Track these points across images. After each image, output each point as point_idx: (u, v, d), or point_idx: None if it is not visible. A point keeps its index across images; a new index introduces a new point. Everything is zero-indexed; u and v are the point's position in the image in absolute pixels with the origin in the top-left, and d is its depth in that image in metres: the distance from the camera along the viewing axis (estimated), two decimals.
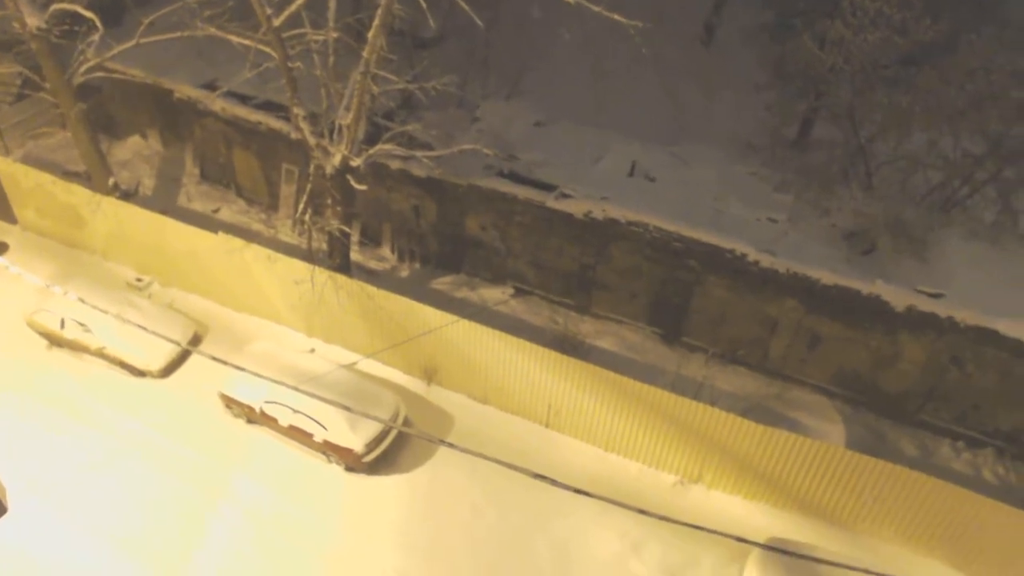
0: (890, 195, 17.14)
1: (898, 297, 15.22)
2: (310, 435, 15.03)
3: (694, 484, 15.23)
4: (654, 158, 18.86)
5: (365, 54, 14.23)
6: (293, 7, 14.23)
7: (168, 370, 17.03)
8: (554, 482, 8.95)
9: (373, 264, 20.16)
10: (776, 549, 12.79)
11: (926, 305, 15.08)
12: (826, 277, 15.65)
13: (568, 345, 17.39)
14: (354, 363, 16.31)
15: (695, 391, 16.54)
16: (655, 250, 17.17)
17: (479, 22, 13.66)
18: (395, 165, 18.52)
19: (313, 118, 16.06)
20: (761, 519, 14.52)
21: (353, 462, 14.94)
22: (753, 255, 16.12)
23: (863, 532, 14.34)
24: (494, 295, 19.47)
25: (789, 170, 18.03)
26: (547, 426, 16.17)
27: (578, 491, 8.96)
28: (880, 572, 11.31)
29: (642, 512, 9.29)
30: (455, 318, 15.63)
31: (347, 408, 10.41)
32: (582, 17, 14.82)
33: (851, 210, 16.96)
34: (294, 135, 16.57)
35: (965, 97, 16.49)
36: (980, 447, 16.25)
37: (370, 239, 20.66)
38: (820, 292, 15.82)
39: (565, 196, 17.59)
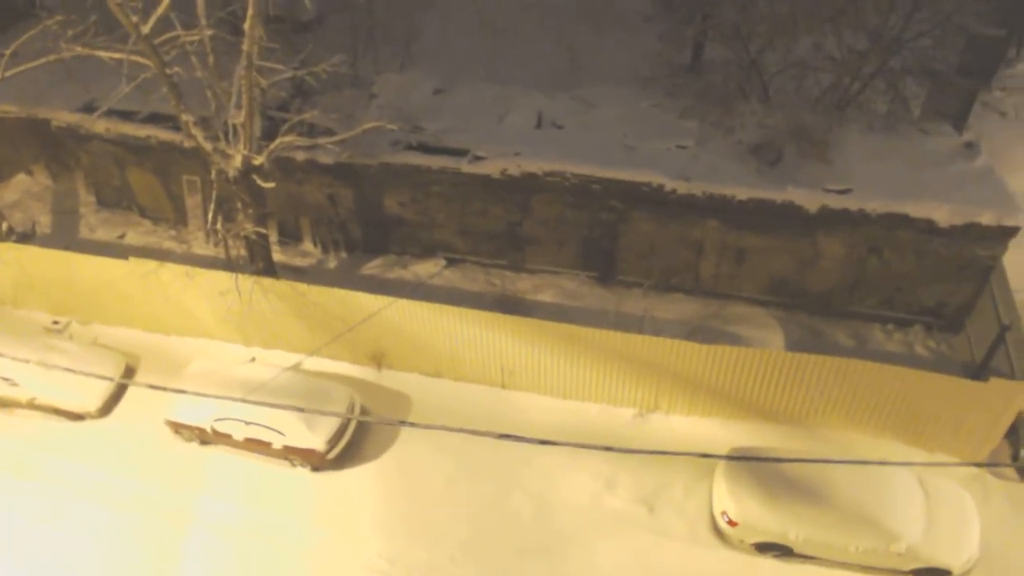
0: (787, 103, 17.66)
1: (810, 199, 15.82)
2: (268, 444, 14.76)
3: (652, 413, 15.69)
4: (558, 106, 18.90)
5: (245, 47, 13.69)
6: (159, 10, 13.53)
7: (106, 408, 16.37)
8: (519, 438, 9.09)
9: (298, 261, 19.71)
10: (739, 458, 13.47)
11: (837, 202, 15.73)
12: (741, 193, 16.12)
13: (509, 304, 17.50)
14: (298, 364, 16.04)
15: (638, 325, 16.97)
16: (576, 196, 17.32)
17: None
18: (300, 156, 18.03)
19: (204, 122, 15.41)
20: (721, 433, 15.09)
21: (318, 461, 14.79)
22: (669, 184, 16.45)
23: (816, 425, 15.09)
24: (427, 269, 19.36)
25: (690, 96, 18.34)
26: (504, 387, 16.32)
27: (544, 442, 9.11)
28: (836, 459, 12.01)
29: (608, 449, 9.56)
30: (392, 299, 15.51)
31: (300, 410, 10.29)
32: None
33: (754, 124, 17.43)
34: (188, 143, 15.91)
35: None
36: (909, 326, 17.24)
37: (290, 236, 20.16)
38: (738, 208, 16.30)
39: (478, 159, 17.50)
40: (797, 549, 13.21)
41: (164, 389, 10.75)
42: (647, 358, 14.80)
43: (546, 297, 18.45)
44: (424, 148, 17.97)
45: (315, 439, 14.50)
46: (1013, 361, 14.41)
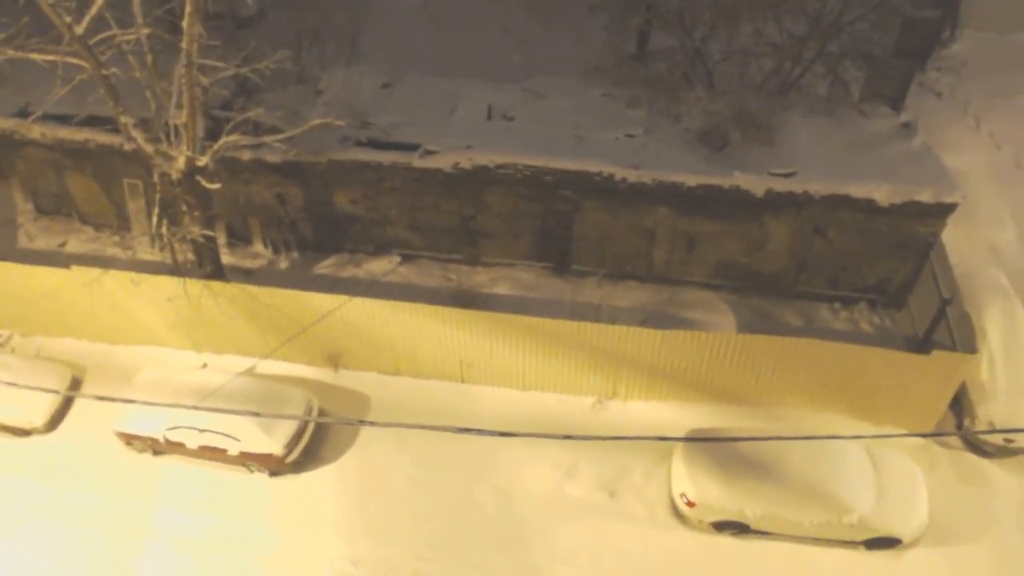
0: (731, 90, 17.93)
1: (756, 184, 16.12)
2: (224, 451, 14.52)
3: (611, 400, 15.87)
4: (508, 97, 18.87)
5: (184, 45, 13.34)
6: (93, 10, 13.10)
7: (54, 422, 15.89)
8: (480, 431, 9.13)
9: (248, 263, 19.36)
10: (696, 439, 13.72)
11: (782, 185, 16.06)
12: (689, 179, 16.34)
13: (466, 299, 17.48)
14: (252, 368, 15.79)
15: (594, 314, 17.12)
16: (529, 188, 17.35)
17: None
18: (246, 156, 17.67)
19: (145, 124, 15.01)
20: (678, 416, 15.32)
21: (276, 466, 14.60)
22: (620, 173, 16.59)
23: (769, 404, 15.44)
24: (381, 267, 19.20)
25: (637, 85, 18.48)
26: (463, 381, 16.32)
27: (504, 434, 9.17)
28: (789, 436, 12.33)
29: (568, 437, 9.71)
30: (346, 298, 15.36)
31: (256, 414, 10.14)
32: None
33: (699, 111, 17.66)
34: (128, 146, 15.49)
35: None
36: (854, 304, 17.72)
37: (239, 238, 19.78)
38: (687, 195, 16.53)
39: (429, 153, 17.39)
40: (754, 526, 13.54)
41: (113, 400, 10.51)
42: (604, 346, 14.95)
43: (502, 290, 18.48)
44: (374, 144, 17.78)
45: (272, 443, 14.30)
46: (954, 334, 14.92)
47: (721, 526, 13.70)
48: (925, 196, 15.68)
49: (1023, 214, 19.97)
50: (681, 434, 14.29)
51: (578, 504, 14.35)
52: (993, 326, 15.60)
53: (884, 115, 17.87)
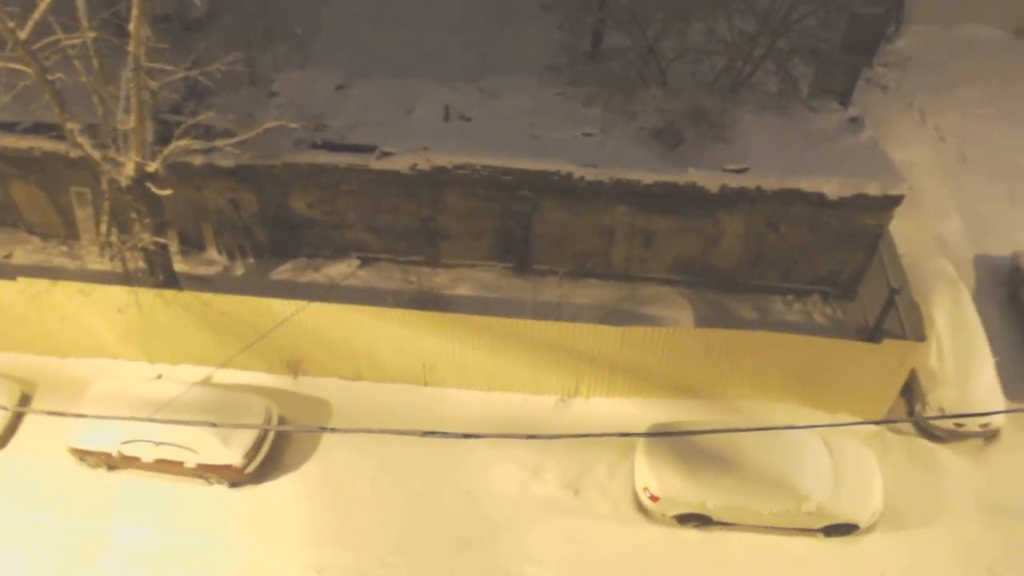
0: (685, 88, 18.16)
1: (711, 180, 16.36)
2: (181, 463, 14.23)
3: (574, 398, 15.97)
4: (465, 98, 18.82)
5: (131, 49, 13.03)
6: (37, 14, 12.71)
7: (3, 440, 15.40)
8: (444, 434, 9.08)
9: (202, 270, 18.98)
10: (657, 434, 13.88)
11: (735, 181, 16.33)
12: (646, 177, 16.51)
13: (427, 301, 17.40)
14: (208, 377, 15.51)
15: (555, 312, 17.20)
16: (487, 188, 17.34)
17: None
18: (198, 160, 17.33)
19: (91, 130, 14.61)
20: (640, 412, 15.48)
21: (236, 477, 14.36)
22: (578, 172, 16.68)
23: (728, 397, 15.69)
24: (340, 270, 19.00)
25: (592, 83, 18.59)
26: (426, 384, 16.25)
27: (468, 435, 9.16)
28: (747, 427, 12.53)
29: (532, 437, 9.73)
30: (305, 303, 15.17)
31: (213, 425, 9.95)
32: None
33: (654, 109, 17.84)
34: (74, 153, 15.06)
35: None
36: (807, 296, 18.11)
37: (192, 245, 19.38)
38: (644, 192, 16.70)
39: (386, 154, 17.25)
40: (716, 517, 13.76)
41: (64, 415, 10.21)
42: (565, 344, 15.03)
43: (464, 291, 18.44)
44: (330, 146, 17.57)
45: (231, 454, 14.06)
46: (904, 322, 15.34)
47: (684, 519, 13.90)
48: (873, 189, 16.09)
49: (967, 205, 20.63)
50: (643, 429, 14.46)
51: (544, 503, 14.41)
52: (941, 314, 16.10)
53: (833, 110, 18.27)
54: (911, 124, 23.20)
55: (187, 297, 15.41)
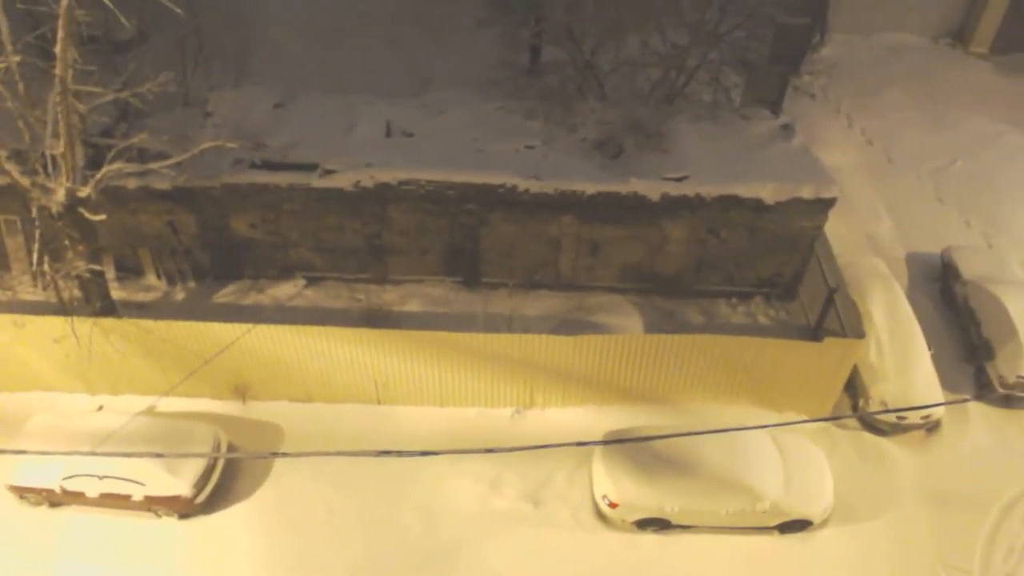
0: (622, 100, 18.53)
1: (652, 189, 16.69)
2: (128, 497, 13.71)
3: (529, 410, 16.00)
4: (406, 114, 18.79)
5: (58, 72, 12.66)
6: None
7: None
8: (400, 453, 9.01)
9: (141, 296, 18.40)
10: (612, 441, 13.98)
11: (676, 189, 16.70)
12: (589, 187, 16.74)
13: (377, 318, 17.24)
14: (152, 407, 15.02)
15: (506, 325, 17.25)
16: (433, 203, 17.31)
17: (178, 11, 12.64)
18: (132, 184, 16.84)
19: (19, 156, 14.07)
20: (595, 420, 15.57)
21: (185, 508, 13.91)
22: (522, 184, 16.81)
23: (679, 400, 15.96)
24: (286, 291, 18.68)
25: (532, 97, 18.82)
26: (379, 403, 16.06)
27: (424, 453, 9.10)
28: (699, 430, 12.77)
29: (489, 451, 9.69)
30: (250, 326, 14.84)
31: (159, 455, 9.63)
32: None
33: (594, 121, 18.14)
34: (1, 180, 14.47)
35: None
36: (750, 298, 18.59)
37: (129, 270, 18.78)
38: (588, 202, 16.93)
39: (328, 172, 17.08)
40: (674, 520, 13.94)
41: (2, 452, 9.74)
42: (518, 356, 15.06)
43: (413, 306, 18.34)
44: (270, 165, 17.31)
45: (179, 484, 13.62)
46: (843, 320, 15.86)
47: (643, 524, 14.03)
48: (806, 192, 16.66)
49: (896, 205, 21.55)
50: (599, 437, 14.56)
51: (504, 516, 14.37)
52: (878, 310, 16.71)
53: (764, 118, 18.88)
54: (839, 129, 24.15)
55: (126, 325, 14.92)
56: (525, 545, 13.97)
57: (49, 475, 13.70)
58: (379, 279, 18.81)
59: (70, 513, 14.22)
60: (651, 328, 17.62)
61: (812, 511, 13.94)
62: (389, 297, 18.47)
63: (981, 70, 26.49)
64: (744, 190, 16.67)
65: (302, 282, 18.80)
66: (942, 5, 27.13)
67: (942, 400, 15.52)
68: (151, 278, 18.87)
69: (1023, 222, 20.90)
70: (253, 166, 17.21)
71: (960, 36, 27.54)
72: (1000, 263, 18.81)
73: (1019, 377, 15.98)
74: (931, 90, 25.30)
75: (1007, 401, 16.58)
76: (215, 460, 14.21)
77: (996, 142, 23.47)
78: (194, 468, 13.86)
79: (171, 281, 18.86)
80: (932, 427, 16.10)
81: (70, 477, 13.63)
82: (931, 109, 24.60)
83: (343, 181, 17.01)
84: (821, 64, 24.06)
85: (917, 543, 14.23)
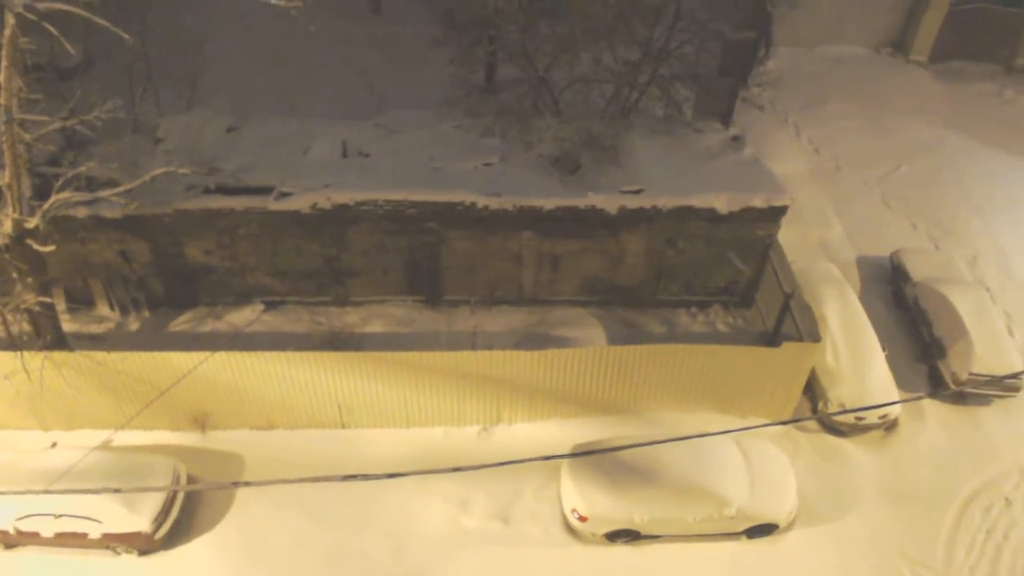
0: (577, 115, 18.73)
1: (609, 202, 16.89)
2: (85, 535, 13.28)
3: (496, 426, 15.95)
4: (362, 134, 18.74)
5: (2, 100, 12.38)
6: None
7: None
8: (366, 476, 8.92)
9: (94, 328, 17.92)
10: (579, 454, 14.02)
11: (633, 202, 16.92)
12: (548, 203, 16.87)
13: (339, 341, 17.05)
14: (107, 441, 14.60)
15: (470, 342, 17.21)
16: (392, 222, 17.25)
17: (126, 36, 12.45)
18: (82, 213, 16.45)
19: None
20: (562, 433, 15.57)
21: (145, 544, 13.51)
22: (481, 201, 16.86)
23: (644, 410, 16.09)
24: (244, 317, 18.36)
25: (488, 115, 18.92)
26: (343, 427, 15.85)
27: (391, 475, 9.03)
28: (664, 439, 12.85)
29: (456, 470, 9.61)
30: (208, 354, 14.55)
31: (116, 491, 9.36)
32: (240, 6, 14.10)
33: (550, 137, 18.31)
34: None
35: (611, 13, 18.38)
36: (709, 306, 18.88)
37: (80, 302, 18.28)
38: (547, 217, 17.05)
39: (285, 195, 16.90)
40: (644, 531, 13.99)
41: None
42: (483, 373, 15.03)
43: (375, 327, 18.18)
44: (224, 189, 17.05)
45: (138, 520, 13.24)
46: (800, 325, 16.20)
47: (613, 536, 14.06)
48: (759, 202, 17.03)
49: (845, 211, 22.17)
50: (567, 450, 14.57)
51: (474, 535, 14.26)
52: (833, 314, 17.12)
53: (716, 130, 19.29)
54: (788, 139, 24.80)
55: (78, 358, 14.51)
56: (496, 564, 13.88)
57: (2, 516, 13.21)
58: (340, 301, 18.62)
59: (26, 554, 13.70)
60: (613, 340, 17.75)
61: (778, 514, 14.13)
62: (350, 319, 18.29)
63: (921, 78, 27.50)
64: (699, 201, 16.96)
65: (260, 307, 18.51)
66: (882, 17, 28.13)
67: (898, 399, 15.91)
68: (103, 309, 18.40)
69: (967, 223, 21.68)
70: (207, 191, 16.94)
71: (900, 46, 28.57)
72: (947, 263, 19.45)
73: (971, 374, 16.47)
74: (874, 98, 26.16)
75: (960, 398, 17.08)
76: (175, 493, 13.87)
77: (938, 146, 24.35)
78: (153, 502, 13.49)
79: (124, 311, 18.40)
80: (890, 426, 16.49)
81: (24, 517, 13.16)
82: (875, 117, 25.41)
83: (300, 203, 16.85)
84: (768, 76, 24.68)
85: (881, 541, 14.50)
